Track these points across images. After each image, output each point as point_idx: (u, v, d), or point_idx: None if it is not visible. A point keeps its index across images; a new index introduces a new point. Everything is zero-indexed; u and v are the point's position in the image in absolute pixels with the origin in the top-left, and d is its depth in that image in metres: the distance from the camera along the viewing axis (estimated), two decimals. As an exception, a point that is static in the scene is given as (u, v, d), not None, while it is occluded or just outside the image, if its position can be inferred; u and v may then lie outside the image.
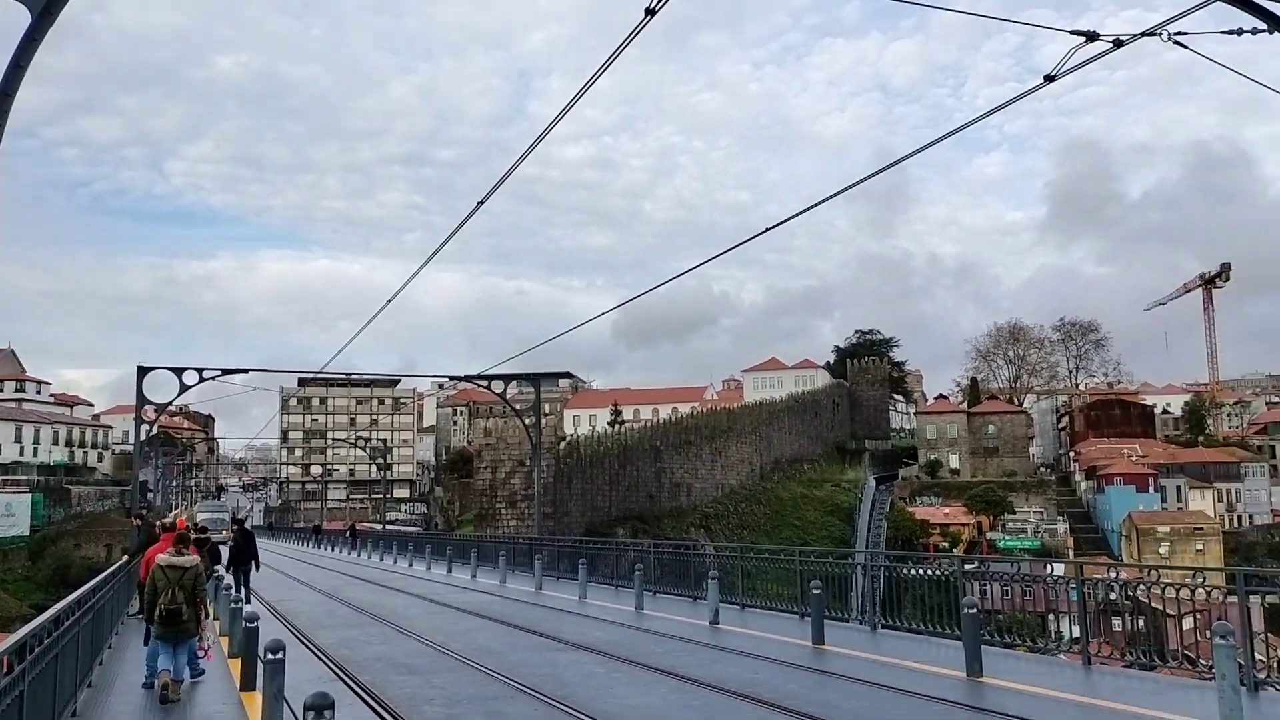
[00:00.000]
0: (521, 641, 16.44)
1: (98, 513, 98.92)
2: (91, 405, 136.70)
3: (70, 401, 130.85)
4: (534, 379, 44.60)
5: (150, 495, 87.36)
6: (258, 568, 23.36)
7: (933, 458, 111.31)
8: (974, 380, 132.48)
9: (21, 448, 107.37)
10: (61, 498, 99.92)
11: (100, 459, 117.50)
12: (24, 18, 9.03)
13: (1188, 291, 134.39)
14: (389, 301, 19.84)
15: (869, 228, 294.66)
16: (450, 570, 36.29)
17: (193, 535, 14.61)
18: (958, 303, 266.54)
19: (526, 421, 45.45)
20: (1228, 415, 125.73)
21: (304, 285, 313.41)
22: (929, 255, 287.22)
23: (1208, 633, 12.34)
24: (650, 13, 9.37)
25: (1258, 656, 12.04)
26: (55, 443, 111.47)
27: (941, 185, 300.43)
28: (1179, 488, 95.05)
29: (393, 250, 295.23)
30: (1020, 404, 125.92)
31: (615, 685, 12.01)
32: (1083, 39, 9.64)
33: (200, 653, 12.42)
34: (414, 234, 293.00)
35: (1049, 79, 9.92)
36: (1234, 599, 11.48)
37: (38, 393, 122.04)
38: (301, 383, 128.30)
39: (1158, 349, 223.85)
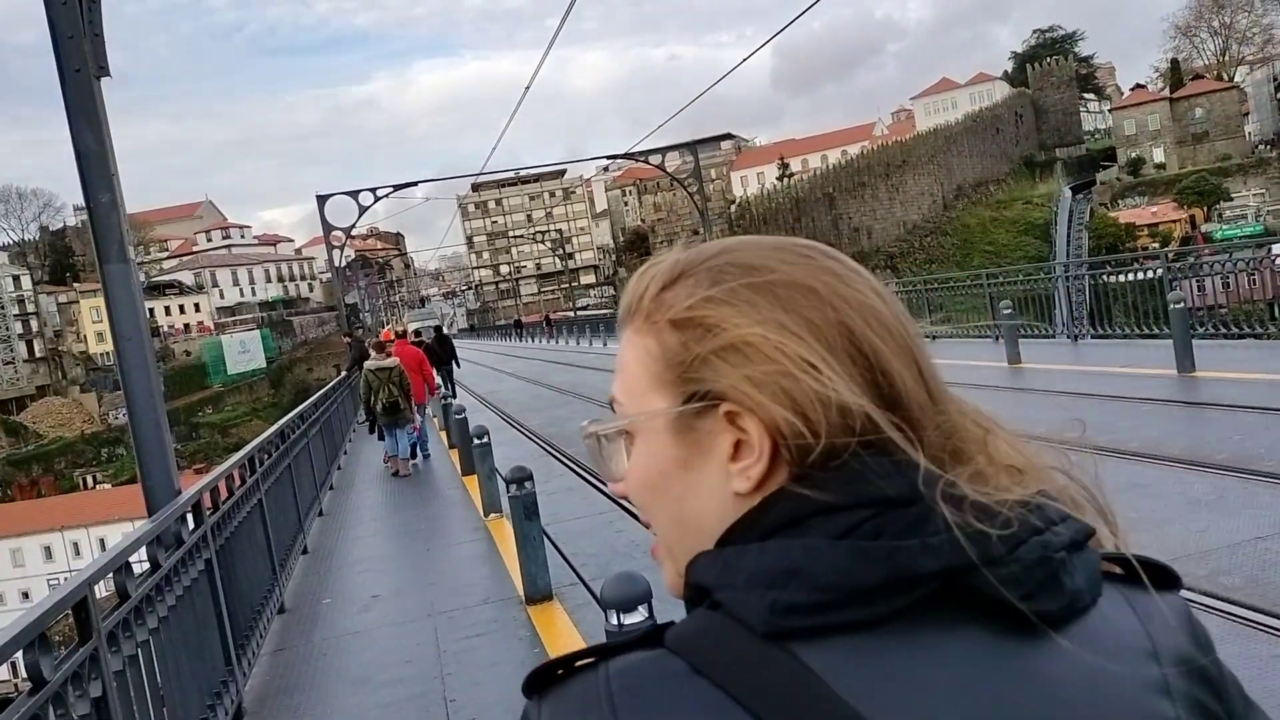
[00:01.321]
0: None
1: (320, 338, 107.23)
2: (292, 240, 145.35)
3: (273, 240, 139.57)
4: (691, 146, 43.79)
5: (363, 315, 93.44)
6: (458, 365, 25.20)
7: (1134, 155, 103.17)
8: (1174, 62, 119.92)
9: (240, 289, 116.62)
10: (286, 329, 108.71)
11: (311, 289, 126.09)
12: None
13: None
14: (526, 90, 19.52)
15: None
16: (642, 344, 37.36)
17: (412, 339, 19.44)
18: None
19: (691, 190, 45.01)
20: None
21: (459, 91, 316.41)
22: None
23: None
24: None
25: None
26: (268, 280, 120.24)
27: None
28: None
29: (537, 39, 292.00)
30: (1231, 79, 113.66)
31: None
32: None
33: (413, 431, 14.45)
34: (553, 18, 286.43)
35: None
36: None
37: (242, 237, 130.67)
38: (475, 188, 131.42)
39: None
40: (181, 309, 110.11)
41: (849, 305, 0.71)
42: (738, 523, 0.70)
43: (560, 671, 0.70)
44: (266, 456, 8.30)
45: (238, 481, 6.97)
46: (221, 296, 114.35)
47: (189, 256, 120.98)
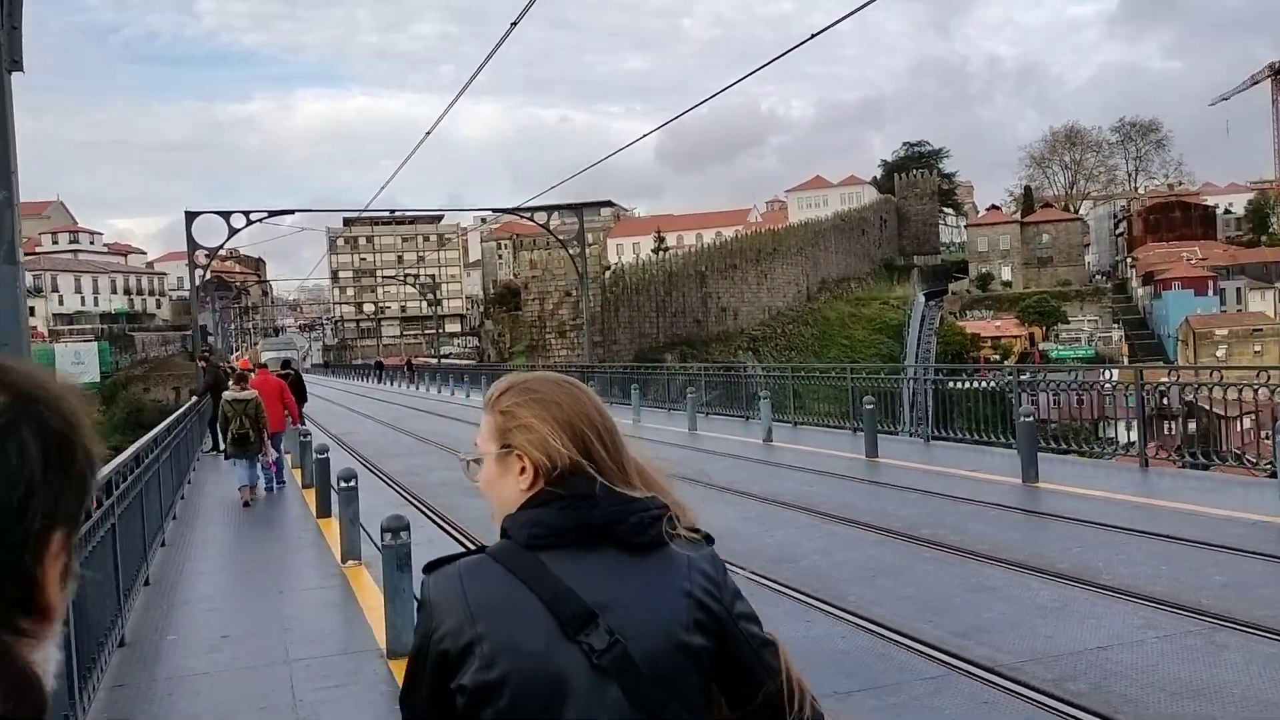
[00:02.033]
0: (581, 464, 16.82)
1: (162, 357, 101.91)
2: (144, 253, 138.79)
3: (124, 250, 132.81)
4: (576, 208, 44.29)
5: (210, 339, 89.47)
6: (305, 399, 24.61)
7: (984, 270, 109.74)
8: (1028, 189, 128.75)
9: (82, 298, 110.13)
10: (126, 344, 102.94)
11: (159, 305, 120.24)
12: None
13: (1255, 84, 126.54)
14: (426, 136, 19.50)
15: (926, 29, 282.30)
16: (506, 399, 37.02)
17: (279, 372, 19.68)
18: (1017, 108, 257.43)
19: (571, 251, 45.38)
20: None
21: (343, 124, 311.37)
22: (988, 58, 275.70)
23: (1265, 433, 12.30)
24: None
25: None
26: (114, 291, 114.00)
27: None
28: (1239, 289, 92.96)
29: (429, 84, 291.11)
30: (1076, 211, 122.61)
31: (675, 502, 12.30)
32: None
33: (266, 463, 14.72)
34: (448, 65, 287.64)
35: None
36: (1295, 397, 11.35)
37: (91, 243, 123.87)
38: (347, 222, 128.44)
39: (1221, 146, 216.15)
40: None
41: (575, 414, 1.59)
42: (524, 504, 1.57)
43: (441, 561, 1.57)
44: (122, 480, 7.90)
45: (94, 504, 6.60)
46: (61, 303, 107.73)
47: (31, 257, 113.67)
